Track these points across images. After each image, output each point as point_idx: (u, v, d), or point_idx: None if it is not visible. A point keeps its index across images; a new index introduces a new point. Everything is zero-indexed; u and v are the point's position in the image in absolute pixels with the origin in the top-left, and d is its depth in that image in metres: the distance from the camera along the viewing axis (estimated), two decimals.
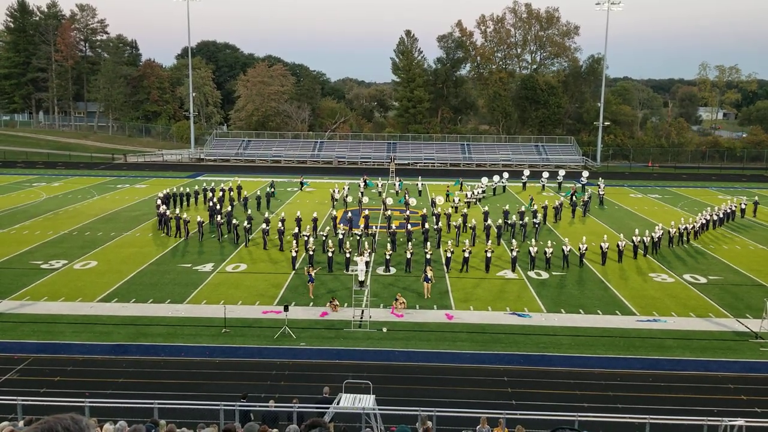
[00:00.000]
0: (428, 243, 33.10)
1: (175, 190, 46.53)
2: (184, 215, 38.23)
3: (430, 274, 27.49)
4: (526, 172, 59.12)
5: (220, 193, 46.89)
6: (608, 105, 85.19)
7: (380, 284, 28.91)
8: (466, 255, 31.28)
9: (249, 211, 39.19)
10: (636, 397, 18.71)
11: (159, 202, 41.44)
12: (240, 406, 15.55)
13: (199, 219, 37.27)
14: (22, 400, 15.45)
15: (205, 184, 50.84)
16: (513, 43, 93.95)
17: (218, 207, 41.10)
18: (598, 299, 27.43)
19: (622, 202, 51.78)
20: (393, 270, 31.06)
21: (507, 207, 40.97)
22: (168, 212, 39.06)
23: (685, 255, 35.19)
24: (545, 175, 58.15)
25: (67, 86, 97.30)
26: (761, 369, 20.81)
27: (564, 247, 32.49)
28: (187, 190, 47.98)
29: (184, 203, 46.10)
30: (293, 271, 30.57)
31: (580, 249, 32.63)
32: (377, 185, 53.31)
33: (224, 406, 15.29)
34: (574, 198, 46.18)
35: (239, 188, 48.87)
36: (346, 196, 46.91)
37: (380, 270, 31.14)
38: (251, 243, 35.75)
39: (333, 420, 13.98)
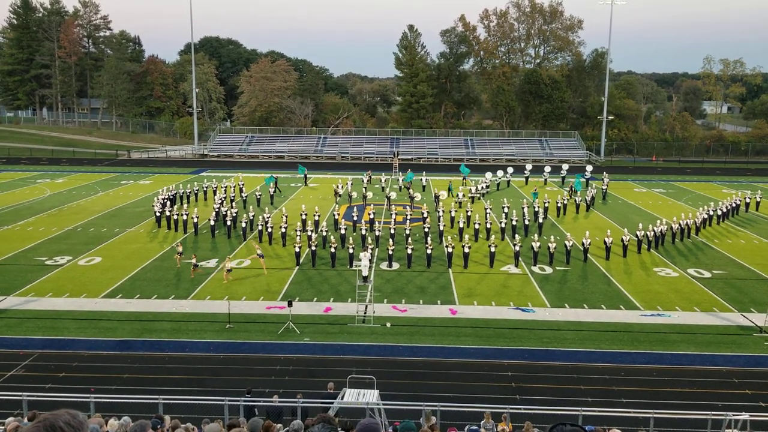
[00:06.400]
0: (429, 238, 33.05)
1: (173, 191, 44.93)
2: (193, 214, 37.72)
3: (260, 250, 30.49)
4: (528, 167, 58.97)
5: (223, 190, 46.79)
6: (612, 99, 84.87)
7: (383, 279, 28.94)
8: (466, 251, 31.26)
9: (250, 208, 39.19)
10: (640, 391, 18.71)
11: (159, 205, 39.80)
12: (244, 401, 15.62)
13: (196, 216, 37.16)
14: (28, 396, 15.55)
15: (206, 181, 50.79)
16: (516, 38, 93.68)
17: (222, 204, 41.00)
18: (601, 294, 27.41)
19: (626, 197, 51.65)
20: (396, 265, 31.08)
21: (509, 204, 40.62)
22: (169, 211, 38.84)
23: (689, 249, 35.10)
24: (547, 169, 57.97)
25: (71, 82, 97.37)
26: (766, 363, 20.78)
27: (566, 243, 32.43)
28: (188, 189, 47.29)
29: (185, 202, 45.19)
30: (297, 267, 30.64)
31: (584, 244, 32.59)
32: (380, 179, 53.21)
33: (229, 401, 15.34)
34: (571, 191, 45.89)
35: (241, 185, 48.58)
36: (351, 192, 46.85)
37: (384, 265, 31.17)
38: (252, 239, 35.82)
39: (337, 415, 14.02)
